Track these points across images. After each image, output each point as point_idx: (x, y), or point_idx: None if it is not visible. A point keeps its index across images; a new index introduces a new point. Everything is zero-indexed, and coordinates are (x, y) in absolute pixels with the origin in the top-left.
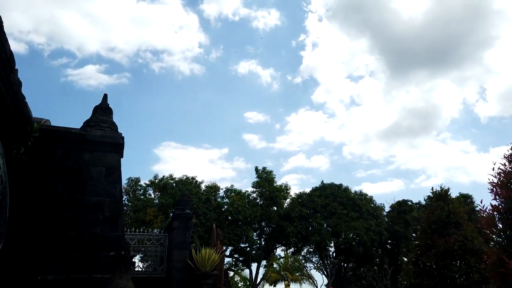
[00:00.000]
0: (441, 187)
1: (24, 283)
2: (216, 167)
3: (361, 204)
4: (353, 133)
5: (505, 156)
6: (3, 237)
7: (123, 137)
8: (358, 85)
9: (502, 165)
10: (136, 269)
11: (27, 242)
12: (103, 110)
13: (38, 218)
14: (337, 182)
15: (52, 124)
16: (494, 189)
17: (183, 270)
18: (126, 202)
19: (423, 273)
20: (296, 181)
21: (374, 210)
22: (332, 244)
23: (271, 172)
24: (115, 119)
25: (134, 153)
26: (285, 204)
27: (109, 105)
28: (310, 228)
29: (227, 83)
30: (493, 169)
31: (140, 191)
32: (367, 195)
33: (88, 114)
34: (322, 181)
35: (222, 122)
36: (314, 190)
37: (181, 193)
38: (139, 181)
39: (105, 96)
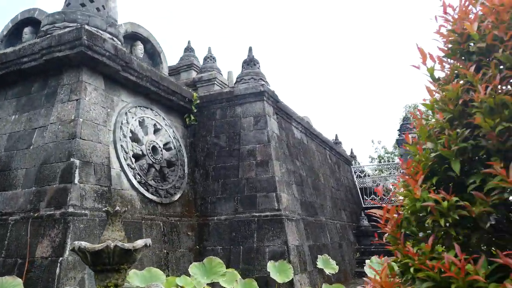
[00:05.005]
0: None
1: (202, 223)
2: None
3: None
4: None
5: None
6: (180, 189)
7: (263, 84)
8: None
9: None
10: None
11: (203, 189)
12: (247, 63)
13: (210, 169)
14: None
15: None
16: None
17: None
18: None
19: None
20: None
21: None
22: None
23: None
24: None
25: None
26: None
27: (254, 57)
28: None
29: None
30: None
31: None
32: None
33: None
34: None
35: None
36: None
37: None
38: (417, 106)
39: (250, 48)
